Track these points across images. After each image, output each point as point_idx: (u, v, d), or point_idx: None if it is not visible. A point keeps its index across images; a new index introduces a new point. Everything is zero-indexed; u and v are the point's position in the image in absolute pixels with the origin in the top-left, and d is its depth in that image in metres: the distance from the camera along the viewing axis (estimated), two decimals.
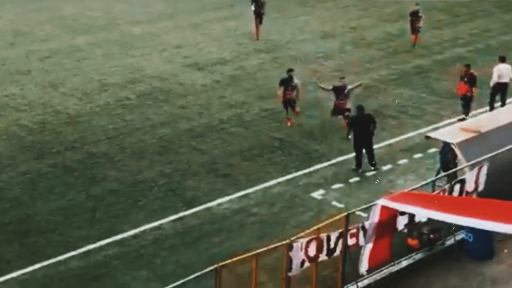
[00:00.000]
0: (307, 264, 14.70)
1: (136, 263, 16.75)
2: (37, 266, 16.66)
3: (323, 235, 14.87)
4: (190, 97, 27.12)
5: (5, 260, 16.88)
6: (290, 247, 14.28)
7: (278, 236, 17.38)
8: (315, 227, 14.92)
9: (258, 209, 19.15)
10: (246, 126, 24.48)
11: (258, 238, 17.63)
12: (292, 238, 14.48)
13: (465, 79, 24.36)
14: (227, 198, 19.71)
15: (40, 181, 20.68)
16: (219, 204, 19.42)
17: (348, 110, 22.90)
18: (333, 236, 15.01)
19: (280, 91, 24.11)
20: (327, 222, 15.26)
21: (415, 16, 32.27)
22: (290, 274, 14.44)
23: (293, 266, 14.41)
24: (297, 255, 14.42)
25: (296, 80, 24.10)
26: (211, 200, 19.57)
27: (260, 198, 19.75)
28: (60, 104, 26.43)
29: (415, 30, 32.44)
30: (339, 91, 23.28)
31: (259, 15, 33.74)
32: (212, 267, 13.65)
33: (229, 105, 26.30)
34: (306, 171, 21.18)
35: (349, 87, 23.47)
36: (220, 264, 13.66)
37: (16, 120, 24.99)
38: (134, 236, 17.92)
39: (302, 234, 14.80)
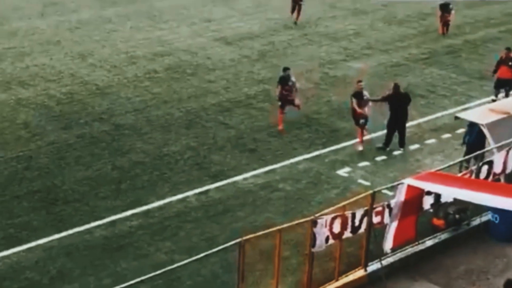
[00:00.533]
0: (331, 240, 14.73)
1: (160, 235, 16.89)
2: (63, 234, 16.85)
3: (348, 213, 14.89)
4: (218, 71, 27.14)
5: (32, 228, 17.10)
6: (314, 223, 14.31)
7: (303, 212, 17.48)
8: (341, 204, 14.95)
9: (283, 185, 19.18)
10: (274, 102, 24.37)
11: (282, 214, 17.70)
12: (317, 215, 14.52)
13: (510, 63, 23.90)
14: (252, 173, 19.77)
15: (68, 151, 20.88)
16: (244, 179, 19.48)
17: (365, 117, 21.04)
18: (358, 213, 15.03)
19: (277, 89, 22.36)
20: (352, 199, 15.28)
21: (445, 9, 30.64)
22: (313, 250, 14.48)
23: (317, 242, 14.44)
24: (321, 232, 14.45)
25: (293, 79, 22.32)
26: (236, 175, 19.64)
27: (285, 174, 19.78)
28: (89, 75, 26.60)
29: (444, 24, 30.80)
30: (356, 97, 21.23)
31: (297, 2, 32.41)
32: (236, 241, 13.70)
33: (257, 80, 26.28)
34: (333, 148, 21.16)
35: (367, 96, 21.14)
36: (244, 238, 13.70)
37: (45, 90, 25.19)
38: (159, 208, 18.05)
39: (327, 210, 14.83)
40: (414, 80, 26.44)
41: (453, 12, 30.72)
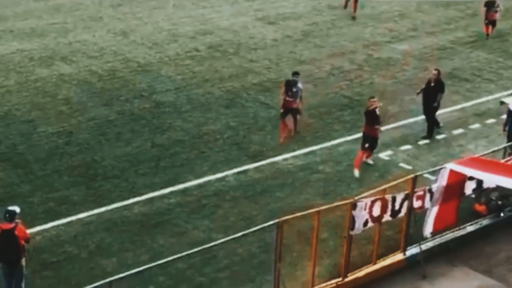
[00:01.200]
0: (370, 224, 14.71)
1: (198, 213, 17.02)
2: (102, 209, 17.08)
3: (389, 196, 14.84)
4: (260, 51, 27.13)
5: (72, 202, 17.37)
6: (354, 206, 14.30)
7: (342, 194, 17.48)
8: (381, 188, 14.90)
9: (323, 167, 19.16)
10: (316, 83, 24.39)
11: (321, 195, 17.70)
12: (357, 197, 14.50)
13: None
14: (292, 154, 19.77)
15: (108, 128, 21.11)
16: (284, 160, 19.50)
17: (376, 139, 19.11)
18: (399, 197, 14.98)
19: (282, 95, 20.38)
20: (393, 183, 15.23)
21: (490, 7, 28.52)
22: (352, 233, 14.47)
23: (356, 225, 14.44)
24: (361, 215, 14.43)
25: (300, 85, 20.23)
26: (276, 155, 19.66)
27: (326, 155, 19.74)
28: (130, 52, 26.80)
29: (489, 22, 28.63)
30: (370, 116, 19.07)
31: None
32: (273, 221, 13.75)
33: (299, 61, 26.22)
34: None
35: (378, 111, 18.97)
36: (282, 219, 13.75)
37: (87, 67, 25.46)
38: (198, 186, 18.17)
39: (367, 193, 14.80)
40: (459, 63, 26.12)
41: (499, 9, 28.77)
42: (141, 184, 18.18)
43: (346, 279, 14.62)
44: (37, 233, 15.99)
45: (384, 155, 19.79)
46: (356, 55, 26.82)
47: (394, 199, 14.92)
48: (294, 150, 19.95)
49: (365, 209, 14.47)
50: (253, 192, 18.01)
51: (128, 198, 17.54)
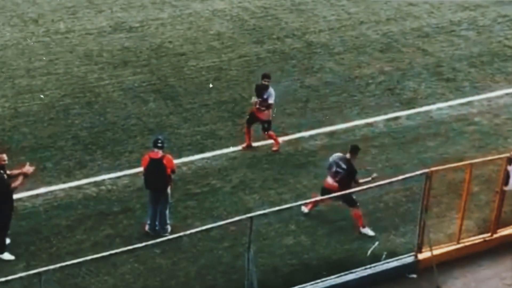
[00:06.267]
0: None
1: None
2: None
3: None
4: None
5: (218, 137, 18.04)
6: (510, 161, 14.07)
7: (498, 148, 17.19)
8: None
9: (480, 119, 18.83)
10: (479, 30, 23.79)
11: (475, 148, 17.47)
12: None
13: None
14: (448, 104, 19.54)
15: (258, 65, 21.58)
16: (438, 109, 19.31)
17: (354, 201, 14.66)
18: None
19: (253, 101, 17.47)
20: None
21: None
22: (506, 188, 14.27)
23: (511, 181, 14.20)
24: None
25: (271, 91, 17.26)
26: (430, 104, 19.50)
27: (483, 107, 19.37)
28: None
29: None
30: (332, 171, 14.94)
31: None
32: (423, 171, 13.78)
33: (462, 6, 25.57)
34: None
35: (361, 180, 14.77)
36: (433, 169, 13.75)
37: (240, 3, 25.94)
38: (345, 130, 18.36)
39: None
40: None
41: None
42: (288, 124, 18.59)
43: (495, 235, 14.50)
44: (183, 164, 16.80)
45: None
46: None
47: None
48: (450, 100, 19.71)
49: None
50: (403, 140, 18.01)
51: None
